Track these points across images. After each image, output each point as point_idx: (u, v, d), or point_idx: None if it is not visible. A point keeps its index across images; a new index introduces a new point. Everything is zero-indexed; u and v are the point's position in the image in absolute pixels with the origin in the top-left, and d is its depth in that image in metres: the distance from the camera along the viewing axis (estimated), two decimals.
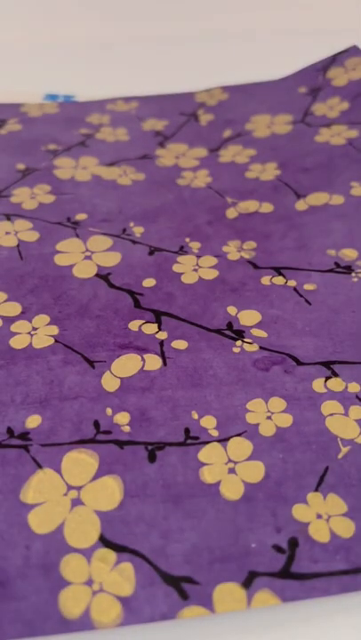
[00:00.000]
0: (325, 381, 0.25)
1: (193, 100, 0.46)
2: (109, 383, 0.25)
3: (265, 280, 0.30)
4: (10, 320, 0.28)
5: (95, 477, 0.22)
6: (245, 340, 0.27)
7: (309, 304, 0.29)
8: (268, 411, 0.24)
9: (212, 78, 0.49)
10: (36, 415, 0.24)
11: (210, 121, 0.44)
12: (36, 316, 0.28)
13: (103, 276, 0.30)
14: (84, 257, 0.31)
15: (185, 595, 0.19)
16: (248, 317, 0.28)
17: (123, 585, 0.19)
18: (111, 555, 0.19)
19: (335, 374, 0.25)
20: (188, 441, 0.23)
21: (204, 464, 0.22)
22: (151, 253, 0.32)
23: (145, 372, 0.25)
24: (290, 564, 0.19)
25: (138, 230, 0.33)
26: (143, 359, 0.26)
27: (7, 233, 0.33)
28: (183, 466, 0.22)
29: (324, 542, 0.20)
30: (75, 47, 0.58)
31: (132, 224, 0.34)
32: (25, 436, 0.23)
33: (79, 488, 0.21)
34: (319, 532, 0.20)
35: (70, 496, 0.21)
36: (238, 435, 0.23)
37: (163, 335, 0.27)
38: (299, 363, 0.26)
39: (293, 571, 0.19)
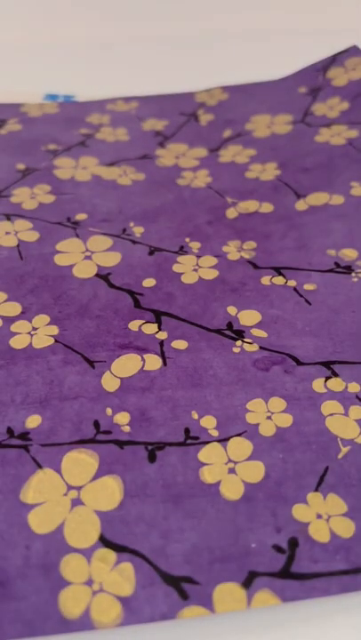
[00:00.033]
0: (325, 381, 0.25)
1: (193, 100, 0.46)
2: (109, 383, 0.25)
3: (265, 280, 0.30)
4: (10, 320, 0.28)
5: (95, 477, 0.22)
6: (245, 340, 0.27)
7: (309, 304, 0.29)
8: (268, 411, 0.24)
9: (212, 78, 0.49)
10: (36, 415, 0.24)
11: (210, 121, 0.44)
12: (36, 315, 0.28)
13: (103, 275, 0.30)
14: (84, 257, 0.31)
15: (185, 595, 0.19)
16: (248, 317, 0.28)
17: (123, 585, 0.19)
18: (111, 555, 0.19)
19: (335, 374, 0.25)
20: (188, 441, 0.23)
21: (204, 464, 0.22)
22: (151, 253, 0.32)
23: (145, 372, 0.25)
24: (290, 564, 0.19)
25: (138, 230, 0.33)
26: (143, 359, 0.26)
27: (7, 233, 0.33)
28: (183, 466, 0.22)
29: (324, 542, 0.20)
30: (75, 47, 0.58)
31: (132, 224, 0.34)
32: (25, 436, 0.23)
33: (79, 488, 0.21)
34: (319, 532, 0.20)
35: (70, 496, 0.21)
36: (238, 435, 0.23)
37: (163, 335, 0.27)
38: (299, 363, 0.26)
39: (293, 571, 0.19)
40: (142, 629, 0.19)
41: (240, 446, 0.22)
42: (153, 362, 0.26)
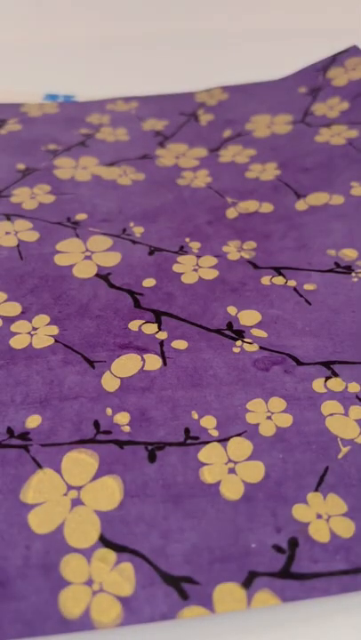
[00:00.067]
0: (325, 381, 0.25)
1: (193, 100, 0.46)
2: (109, 383, 0.25)
3: (265, 280, 0.30)
4: (10, 320, 0.28)
5: (95, 477, 0.22)
6: (245, 339, 0.27)
7: (309, 304, 0.29)
8: (268, 411, 0.24)
9: (212, 78, 0.49)
10: (36, 415, 0.24)
11: (210, 121, 0.44)
12: (36, 316, 0.28)
13: (103, 276, 0.30)
14: (84, 257, 0.31)
15: (185, 595, 0.19)
16: (248, 317, 0.28)
17: (123, 585, 0.19)
18: (111, 555, 0.19)
19: (335, 374, 0.25)
20: (188, 441, 0.23)
21: (204, 464, 0.22)
22: (151, 253, 0.32)
23: (145, 372, 0.25)
24: (290, 564, 0.19)
25: (138, 230, 0.33)
26: (143, 359, 0.26)
27: (7, 233, 0.33)
28: (183, 466, 0.22)
29: (324, 542, 0.20)
30: (75, 47, 0.58)
31: (132, 224, 0.34)
32: (25, 436, 0.23)
33: (79, 488, 0.21)
34: (319, 532, 0.20)
35: (70, 496, 0.21)
36: (238, 435, 0.23)
37: (163, 335, 0.27)
38: (299, 363, 0.26)
39: (293, 571, 0.19)
40: (142, 629, 0.19)
41: (240, 446, 0.22)
42: (153, 362, 0.26)
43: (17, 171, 0.38)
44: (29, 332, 0.27)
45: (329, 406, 0.24)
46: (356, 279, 0.30)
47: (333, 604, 0.19)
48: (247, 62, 0.52)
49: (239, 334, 0.27)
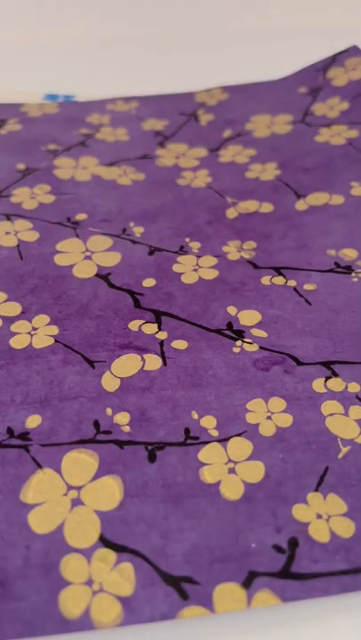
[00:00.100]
0: (325, 381, 0.25)
1: (193, 100, 0.46)
2: (109, 383, 0.25)
3: (265, 280, 0.30)
4: (10, 320, 0.28)
5: (95, 477, 0.22)
6: (245, 339, 0.27)
7: (309, 304, 0.29)
8: (268, 411, 0.24)
9: (212, 78, 0.49)
10: (36, 415, 0.24)
11: (210, 121, 0.44)
12: (36, 315, 0.28)
13: (103, 276, 0.30)
14: (84, 257, 0.31)
15: (185, 595, 0.19)
16: (248, 317, 0.28)
17: (123, 585, 0.19)
18: (111, 555, 0.19)
19: (335, 374, 0.25)
20: (188, 441, 0.23)
21: (204, 464, 0.22)
22: (151, 253, 0.32)
23: (145, 372, 0.25)
24: (290, 564, 0.19)
25: (138, 230, 0.33)
26: (143, 359, 0.26)
27: (7, 233, 0.33)
28: (183, 466, 0.22)
29: (324, 542, 0.20)
30: (75, 47, 0.58)
31: (132, 224, 0.34)
32: (25, 436, 0.23)
33: (79, 488, 0.21)
34: (319, 532, 0.20)
35: (70, 496, 0.21)
36: (238, 435, 0.23)
37: (163, 335, 0.27)
38: (299, 363, 0.26)
39: (293, 571, 0.19)
40: (142, 629, 0.19)
41: (240, 446, 0.22)
42: (153, 362, 0.26)
43: (17, 171, 0.38)
44: (29, 332, 0.27)
45: (329, 406, 0.24)
46: (356, 279, 0.30)
47: (333, 604, 0.19)
48: (247, 62, 0.52)
49: (239, 334, 0.27)
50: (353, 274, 0.30)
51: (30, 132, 0.42)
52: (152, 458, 0.22)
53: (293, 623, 0.19)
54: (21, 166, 0.38)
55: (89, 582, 0.19)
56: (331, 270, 0.30)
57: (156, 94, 0.48)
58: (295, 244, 0.32)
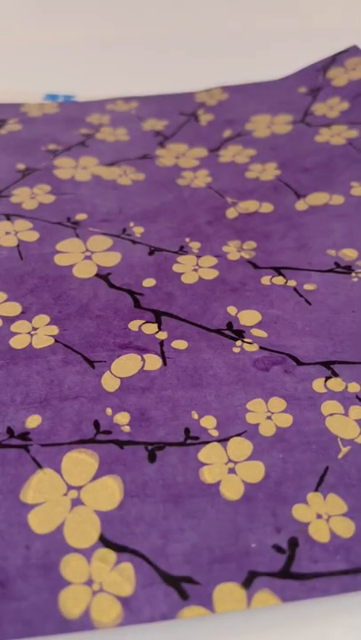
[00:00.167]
0: (325, 381, 0.25)
1: (193, 100, 0.46)
2: (109, 383, 0.25)
3: (265, 280, 0.30)
4: (10, 320, 0.28)
5: (95, 477, 0.22)
6: (245, 339, 0.27)
7: (309, 304, 0.29)
8: (268, 411, 0.24)
9: (212, 78, 0.49)
10: (36, 415, 0.24)
11: (210, 121, 0.44)
12: (36, 315, 0.28)
13: (103, 275, 0.30)
14: (84, 257, 0.31)
15: (185, 595, 0.19)
16: (248, 317, 0.28)
17: (123, 585, 0.19)
18: (111, 555, 0.19)
19: (335, 374, 0.25)
20: (188, 441, 0.23)
21: (204, 464, 0.22)
22: (151, 253, 0.32)
23: (145, 372, 0.25)
24: (290, 564, 0.19)
25: (138, 230, 0.33)
26: (143, 359, 0.26)
27: (7, 233, 0.33)
28: (183, 466, 0.22)
29: (324, 542, 0.20)
30: (75, 47, 0.58)
31: (132, 224, 0.34)
32: (25, 436, 0.23)
33: (79, 488, 0.21)
34: (319, 532, 0.20)
35: (70, 496, 0.21)
36: (238, 435, 0.23)
37: (163, 335, 0.27)
38: (299, 363, 0.26)
39: (293, 571, 0.19)
40: (142, 629, 0.19)
41: (240, 446, 0.22)
42: (153, 362, 0.26)
43: (17, 171, 0.38)
44: (29, 332, 0.27)
45: (329, 406, 0.24)
46: (356, 279, 0.30)
47: (333, 604, 0.19)
48: (247, 62, 0.52)
49: (239, 334, 0.27)
50: (353, 274, 0.30)
51: (30, 131, 0.42)
52: (152, 458, 0.22)
53: (293, 623, 0.19)
54: (21, 166, 0.38)
55: (89, 582, 0.19)
56: (331, 270, 0.30)
57: (156, 94, 0.48)
58: (295, 244, 0.32)
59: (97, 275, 0.30)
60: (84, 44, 0.58)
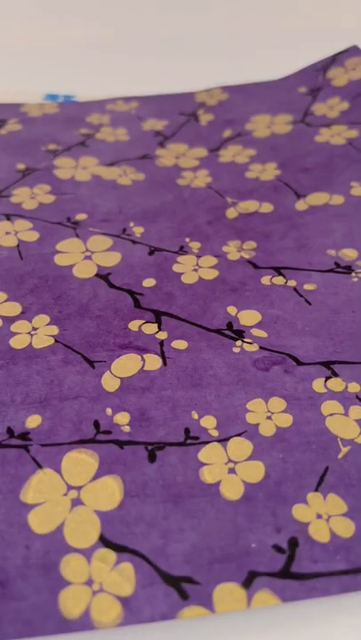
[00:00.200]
0: (325, 381, 0.25)
1: (193, 100, 0.46)
2: (109, 383, 0.25)
3: (265, 280, 0.30)
4: (10, 320, 0.28)
5: (95, 477, 0.22)
6: (245, 339, 0.27)
7: (309, 304, 0.29)
8: (268, 411, 0.24)
9: (212, 78, 0.49)
10: (36, 415, 0.24)
11: (210, 121, 0.44)
12: (36, 316, 0.28)
13: (103, 275, 0.30)
14: (84, 257, 0.31)
15: (185, 595, 0.19)
16: (248, 317, 0.28)
17: (123, 585, 0.19)
18: (111, 555, 0.19)
19: (335, 374, 0.25)
20: (188, 441, 0.23)
21: (204, 464, 0.22)
22: (151, 253, 0.32)
23: (145, 372, 0.25)
24: (290, 564, 0.19)
25: (138, 230, 0.33)
26: (143, 359, 0.26)
27: (7, 233, 0.33)
28: (183, 466, 0.22)
29: (324, 542, 0.20)
30: (75, 47, 0.58)
31: (132, 224, 0.34)
32: (25, 436, 0.23)
33: (79, 488, 0.21)
34: (319, 532, 0.20)
35: (70, 496, 0.21)
36: (238, 435, 0.23)
37: (163, 335, 0.27)
38: (299, 363, 0.26)
39: (293, 571, 0.19)
40: (142, 629, 0.19)
41: (240, 446, 0.22)
42: (153, 362, 0.26)
43: (17, 171, 0.38)
44: (29, 332, 0.27)
45: (329, 406, 0.24)
46: (356, 279, 0.30)
47: (333, 604, 0.19)
48: (247, 62, 0.52)
49: (239, 334, 0.27)
50: (353, 274, 0.30)
51: (30, 131, 0.42)
52: (152, 458, 0.22)
53: (293, 623, 0.19)
54: (21, 166, 0.38)
55: (89, 582, 0.19)
56: (331, 270, 0.30)
57: (156, 94, 0.48)
58: (295, 244, 0.32)
59: (97, 275, 0.30)
60: (84, 43, 0.58)
